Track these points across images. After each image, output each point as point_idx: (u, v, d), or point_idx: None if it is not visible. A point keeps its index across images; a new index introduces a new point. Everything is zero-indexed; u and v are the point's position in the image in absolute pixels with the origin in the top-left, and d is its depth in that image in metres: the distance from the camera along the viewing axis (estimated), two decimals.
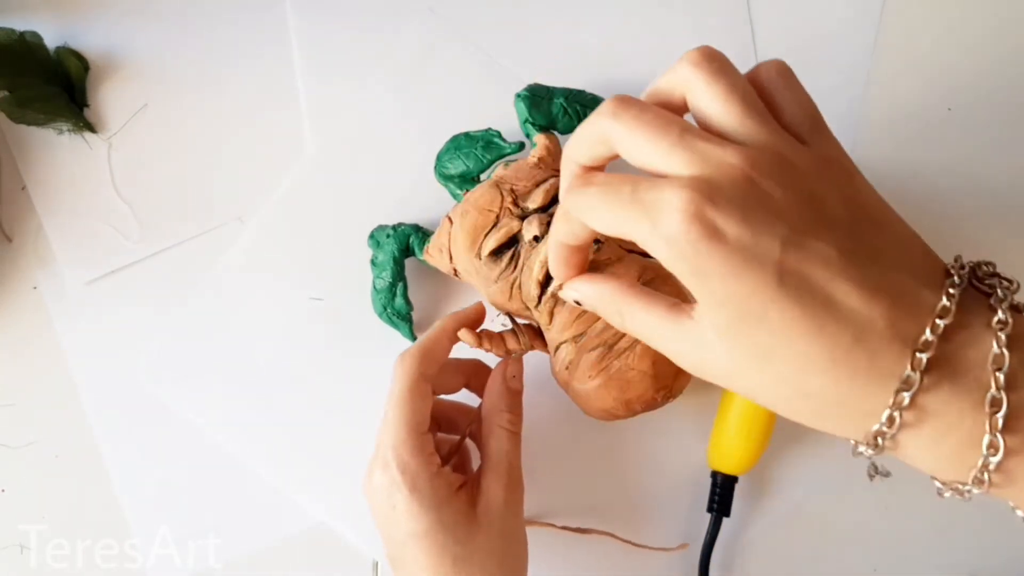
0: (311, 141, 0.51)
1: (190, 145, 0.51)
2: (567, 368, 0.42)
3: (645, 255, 0.44)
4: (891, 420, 0.26)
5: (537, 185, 0.43)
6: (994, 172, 0.51)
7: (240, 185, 0.51)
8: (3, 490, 0.50)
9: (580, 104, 0.47)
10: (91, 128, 0.51)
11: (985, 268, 0.28)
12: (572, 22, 0.52)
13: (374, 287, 0.48)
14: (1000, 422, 0.25)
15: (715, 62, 0.28)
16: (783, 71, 0.29)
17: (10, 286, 0.51)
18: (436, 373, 0.41)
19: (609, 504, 0.49)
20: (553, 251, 0.33)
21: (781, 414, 0.28)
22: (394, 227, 0.47)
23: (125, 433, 0.50)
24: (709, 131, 0.27)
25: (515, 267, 0.42)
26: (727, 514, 0.47)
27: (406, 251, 0.47)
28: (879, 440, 0.26)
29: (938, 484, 0.27)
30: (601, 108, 0.28)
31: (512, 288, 0.43)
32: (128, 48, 0.52)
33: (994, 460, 0.25)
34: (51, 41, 0.51)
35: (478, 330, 0.43)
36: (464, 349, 0.42)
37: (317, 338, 0.50)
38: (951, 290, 0.26)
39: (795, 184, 0.26)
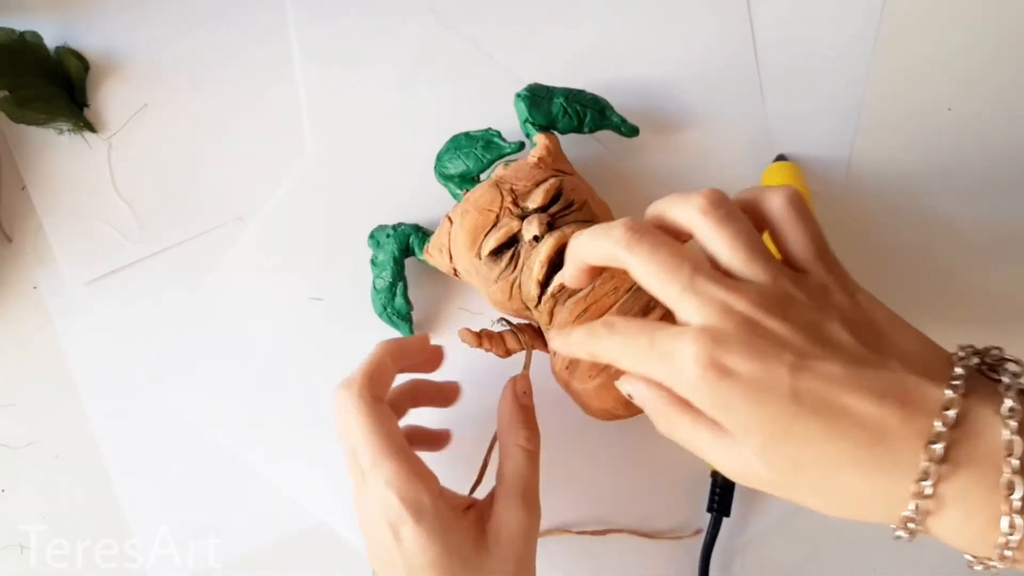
0: (311, 141, 0.51)
1: (190, 145, 0.51)
2: (567, 368, 0.42)
3: None
4: (917, 508, 0.28)
5: (537, 185, 0.43)
6: (994, 172, 0.51)
7: (240, 185, 0.51)
8: (3, 490, 0.50)
9: (580, 104, 0.47)
10: (91, 128, 0.51)
11: (994, 353, 0.30)
12: (572, 22, 0.52)
13: (374, 287, 0.48)
14: (1017, 504, 0.27)
15: (721, 209, 0.31)
16: (792, 202, 0.32)
17: (10, 286, 0.51)
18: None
19: (607, 505, 0.49)
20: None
21: (824, 513, 0.31)
22: (394, 227, 0.47)
23: (125, 433, 0.50)
24: (716, 266, 0.31)
25: (515, 267, 0.42)
26: (727, 514, 0.47)
27: (406, 251, 0.47)
28: (910, 526, 0.29)
29: (968, 558, 0.29)
30: (615, 233, 0.31)
31: (512, 288, 0.43)
32: (128, 48, 0.52)
33: (1014, 539, 0.27)
34: (51, 41, 0.51)
35: (478, 330, 0.43)
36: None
37: (317, 338, 0.50)
38: (955, 382, 0.28)
39: (796, 316, 0.29)
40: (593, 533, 0.47)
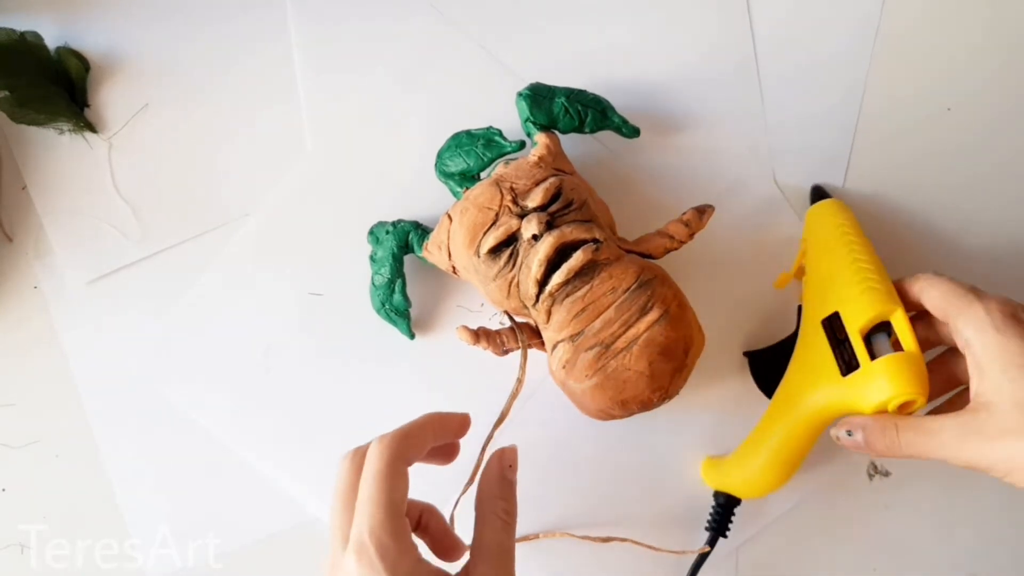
0: (311, 138, 0.51)
1: (190, 144, 0.51)
2: (564, 367, 0.42)
3: (644, 255, 0.44)
4: None
5: (537, 184, 0.43)
6: (994, 171, 0.51)
7: (240, 185, 0.51)
8: (3, 490, 0.50)
9: (581, 104, 0.47)
10: (91, 128, 0.51)
11: None
12: (575, 22, 0.52)
13: (373, 283, 0.48)
14: None
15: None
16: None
17: (10, 286, 0.51)
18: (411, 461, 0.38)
19: (604, 504, 0.49)
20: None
21: None
22: (394, 223, 0.47)
23: (125, 433, 0.50)
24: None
25: (513, 265, 0.42)
26: (724, 535, 0.47)
27: (405, 248, 0.47)
28: None
29: None
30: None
31: (510, 286, 0.43)
32: (128, 48, 0.52)
33: None
34: (51, 41, 0.51)
35: (476, 328, 0.43)
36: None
37: (316, 334, 0.50)
38: None
39: None
40: (595, 539, 0.47)
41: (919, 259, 0.50)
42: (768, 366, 0.47)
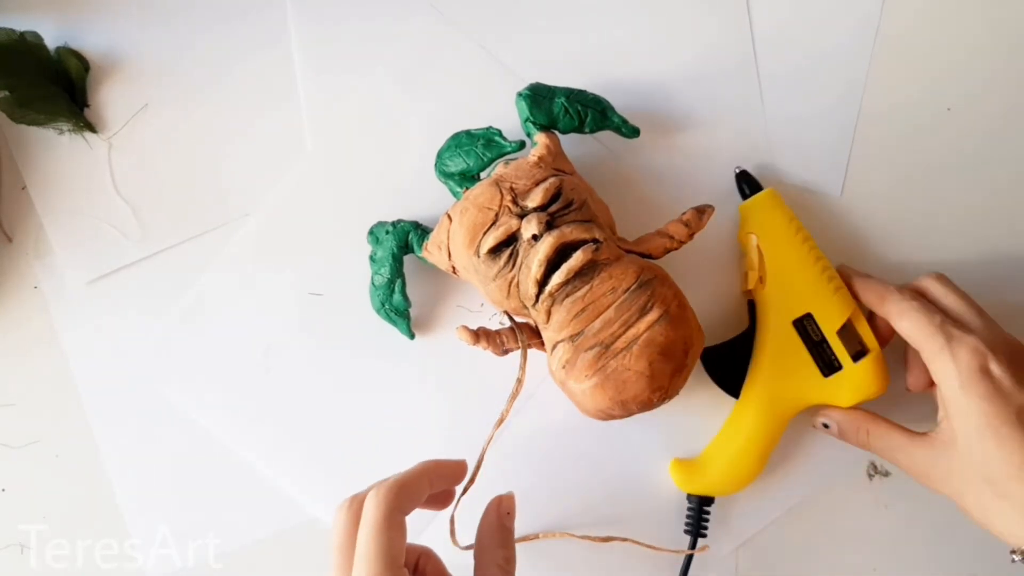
0: (311, 138, 0.51)
1: (190, 145, 0.51)
2: (564, 367, 0.42)
3: (643, 255, 0.44)
4: None
5: (537, 184, 0.43)
6: (994, 171, 0.51)
7: (240, 185, 0.51)
8: (3, 490, 0.50)
9: (581, 104, 0.47)
10: (91, 128, 0.51)
11: None
12: (575, 22, 0.52)
13: (372, 283, 0.48)
14: None
15: (951, 284, 0.44)
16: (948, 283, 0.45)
17: (10, 286, 0.51)
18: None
19: (604, 505, 0.49)
20: None
21: (969, 512, 0.41)
22: (393, 224, 0.47)
23: (125, 433, 0.50)
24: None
25: (513, 265, 0.42)
26: (703, 535, 0.47)
27: (405, 248, 0.47)
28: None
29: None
30: (937, 320, 0.42)
31: (510, 286, 0.43)
32: (128, 48, 0.52)
33: None
34: (51, 41, 0.51)
35: (475, 328, 0.43)
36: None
37: (316, 334, 0.50)
38: None
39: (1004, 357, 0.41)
40: (595, 539, 0.47)
41: (919, 259, 0.50)
42: (724, 363, 0.47)
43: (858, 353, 0.46)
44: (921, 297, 0.44)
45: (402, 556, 0.35)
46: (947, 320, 0.42)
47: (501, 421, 0.42)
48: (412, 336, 0.48)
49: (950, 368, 0.40)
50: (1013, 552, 0.39)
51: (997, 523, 0.39)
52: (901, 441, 0.43)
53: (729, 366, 0.47)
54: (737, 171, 0.49)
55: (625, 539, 0.47)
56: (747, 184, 0.49)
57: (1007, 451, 0.38)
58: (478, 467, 0.42)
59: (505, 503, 0.41)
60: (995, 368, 0.39)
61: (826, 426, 0.46)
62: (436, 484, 0.39)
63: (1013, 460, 0.38)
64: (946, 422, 0.41)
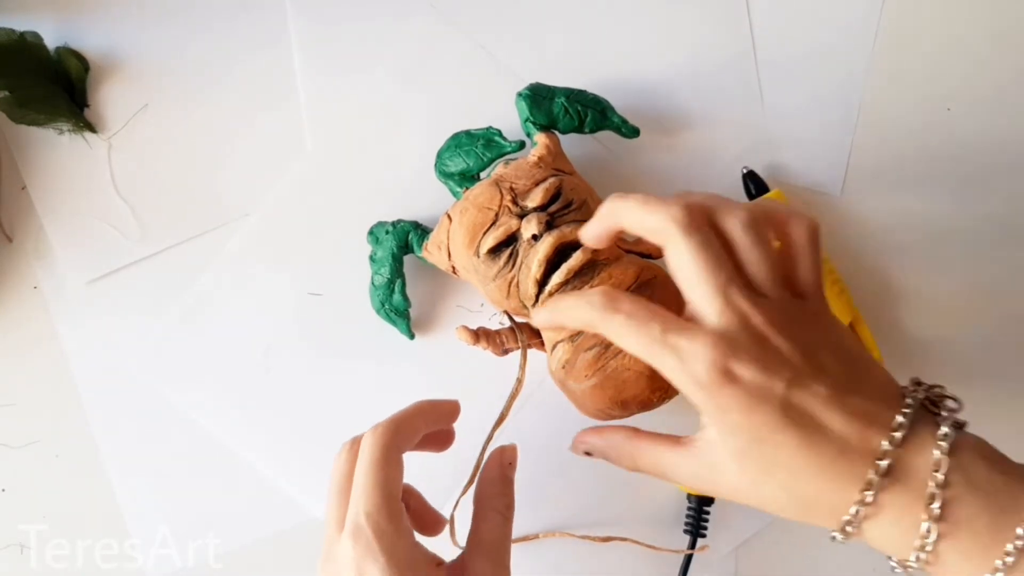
0: (311, 138, 0.51)
1: (190, 145, 0.51)
2: (563, 367, 0.42)
3: (643, 255, 0.44)
4: (856, 514, 0.32)
5: (537, 184, 0.43)
6: (994, 171, 0.51)
7: (240, 184, 0.51)
8: (3, 490, 0.50)
9: (581, 104, 0.47)
10: (91, 128, 0.51)
11: (936, 391, 0.35)
12: (574, 21, 0.52)
13: (372, 283, 0.48)
14: (936, 512, 0.31)
15: (760, 228, 0.34)
16: (814, 235, 0.35)
17: (10, 286, 0.51)
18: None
19: (603, 505, 0.49)
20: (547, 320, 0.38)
21: (778, 514, 0.34)
22: (393, 223, 0.47)
23: (125, 433, 0.50)
24: (741, 269, 0.34)
25: (513, 265, 0.42)
26: (703, 535, 0.47)
27: (405, 248, 0.47)
28: (847, 528, 0.33)
29: (892, 562, 0.33)
30: (673, 211, 0.33)
31: (510, 286, 0.43)
32: (128, 48, 0.52)
33: (929, 542, 0.31)
34: (51, 41, 0.51)
35: (475, 328, 0.43)
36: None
37: (316, 334, 0.50)
38: (905, 410, 0.33)
39: (798, 337, 0.33)
40: (595, 539, 0.47)
41: (919, 259, 0.50)
42: None
43: None
44: (629, 303, 0.34)
45: (399, 490, 0.36)
46: (669, 323, 0.33)
47: (501, 421, 0.42)
48: (412, 336, 0.48)
49: (691, 389, 0.33)
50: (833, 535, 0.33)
51: (817, 521, 0.33)
52: (668, 456, 0.35)
53: None
54: (744, 171, 0.49)
55: (625, 539, 0.47)
56: (754, 184, 0.48)
57: (789, 452, 0.32)
58: (478, 467, 0.42)
59: (508, 453, 0.41)
60: (739, 368, 0.32)
61: (589, 454, 0.39)
62: (430, 423, 0.40)
63: (808, 460, 0.32)
64: (711, 429, 0.34)
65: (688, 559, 0.47)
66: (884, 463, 0.32)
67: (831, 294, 0.46)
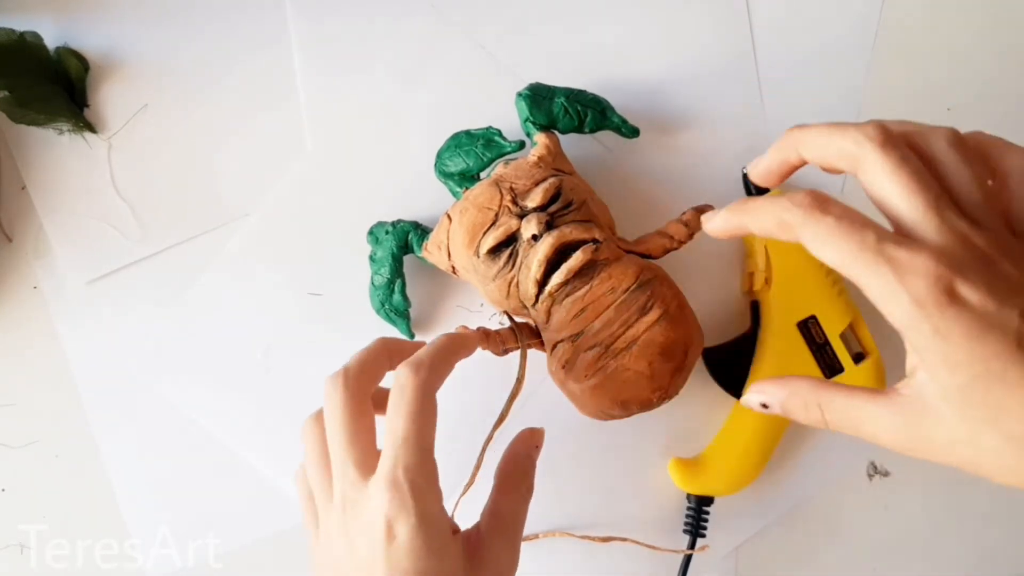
0: (311, 138, 0.51)
1: (190, 145, 0.51)
2: (564, 367, 0.42)
3: (643, 255, 0.44)
4: None
5: (537, 184, 0.43)
6: None
7: (240, 184, 0.51)
8: (3, 490, 0.50)
9: (581, 104, 0.47)
10: (91, 128, 0.51)
11: None
12: (574, 21, 0.52)
13: (372, 283, 0.48)
14: None
15: (969, 149, 0.31)
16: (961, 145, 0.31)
17: (10, 286, 0.51)
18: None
19: (603, 506, 0.49)
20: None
21: (991, 476, 0.29)
22: (393, 224, 0.47)
23: (125, 433, 0.50)
24: (951, 192, 0.30)
25: (513, 265, 0.42)
26: (703, 535, 0.47)
27: (405, 248, 0.47)
28: None
29: None
30: (867, 130, 0.31)
31: (510, 286, 0.43)
32: (128, 48, 0.52)
33: None
34: (51, 41, 0.51)
35: (476, 327, 0.43)
36: None
37: (316, 334, 0.50)
38: None
39: (1022, 266, 0.28)
40: (595, 539, 0.47)
41: None
42: (727, 363, 0.47)
43: (858, 356, 0.46)
44: (839, 207, 0.30)
45: (434, 444, 0.35)
46: (884, 234, 0.29)
47: (501, 421, 0.42)
48: (412, 336, 0.48)
49: (906, 309, 0.28)
50: None
51: None
52: (865, 408, 0.31)
53: (732, 366, 0.47)
54: (744, 171, 0.49)
55: (625, 539, 0.47)
56: (754, 185, 0.48)
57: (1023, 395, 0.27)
58: (478, 467, 0.42)
59: (536, 436, 0.42)
60: (965, 290, 0.27)
61: (765, 406, 0.34)
62: (394, 361, 0.38)
63: None
64: (923, 370, 0.29)
65: (688, 559, 0.47)
66: None
67: (831, 294, 0.46)
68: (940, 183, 0.30)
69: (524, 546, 0.47)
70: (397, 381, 0.36)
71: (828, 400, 0.32)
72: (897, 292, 0.28)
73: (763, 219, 0.32)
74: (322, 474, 0.38)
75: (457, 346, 0.39)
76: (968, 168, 0.30)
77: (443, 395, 0.46)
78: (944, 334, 0.27)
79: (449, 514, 0.42)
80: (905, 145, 0.30)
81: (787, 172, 0.34)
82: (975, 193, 0.30)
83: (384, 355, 0.39)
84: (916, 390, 0.29)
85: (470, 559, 0.36)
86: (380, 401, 0.39)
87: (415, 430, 0.34)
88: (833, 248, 0.29)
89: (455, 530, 0.36)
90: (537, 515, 0.48)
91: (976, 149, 0.31)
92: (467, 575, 0.35)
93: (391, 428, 0.35)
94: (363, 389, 0.37)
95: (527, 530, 0.47)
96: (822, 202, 0.30)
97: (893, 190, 0.29)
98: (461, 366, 0.48)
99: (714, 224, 0.34)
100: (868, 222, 0.29)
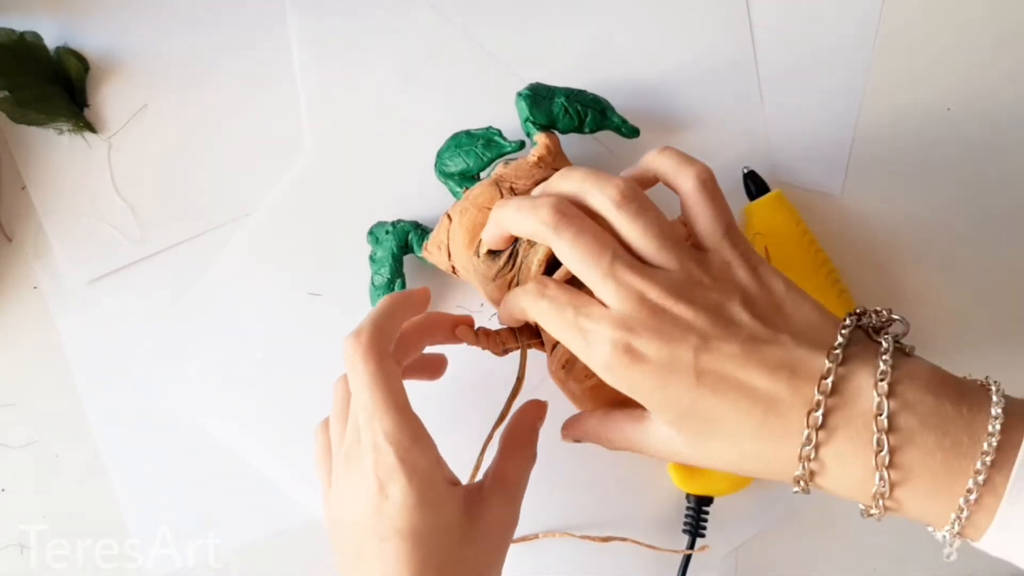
0: (311, 138, 0.51)
1: (190, 145, 0.51)
2: (563, 367, 0.42)
3: None
4: (804, 469, 0.31)
5: (537, 184, 0.43)
6: (993, 172, 0.51)
7: (240, 184, 0.51)
8: (3, 490, 0.50)
9: (581, 104, 0.47)
10: (91, 128, 0.51)
11: (877, 317, 0.33)
12: (574, 21, 0.52)
13: (372, 283, 0.48)
14: (885, 459, 0.29)
15: (634, 203, 0.34)
16: (705, 184, 0.34)
17: (10, 286, 0.51)
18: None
19: (603, 506, 0.49)
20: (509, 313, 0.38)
21: (737, 473, 0.34)
22: (393, 223, 0.47)
23: (125, 433, 0.50)
24: (630, 250, 0.33)
25: (513, 265, 0.42)
26: (702, 535, 0.47)
27: (405, 248, 0.47)
28: (801, 484, 0.31)
29: (860, 507, 0.32)
30: (542, 214, 0.34)
31: (510, 286, 0.43)
32: (128, 48, 0.52)
33: (886, 490, 0.30)
34: (51, 41, 0.51)
35: (476, 328, 0.43)
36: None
37: (316, 334, 0.50)
38: (835, 351, 0.31)
39: (701, 299, 0.32)
40: (595, 539, 0.47)
41: (919, 259, 0.50)
42: None
43: None
44: (553, 287, 0.35)
45: (405, 395, 0.36)
46: (581, 303, 0.33)
47: (501, 421, 0.42)
48: None
49: (602, 372, 0.33)
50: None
51: (774, 476, 0.33)
52: (634, 432, 0.36)
53: None
54: (745, 171, 0.49)
55: (625, 539, 0.47)
56: (754, 184, 0.48)
57: (720, 417, 0.31)
58: (477, 467, 0.42)
59: (541, 408, 0.42)
60: (642, 345, 0.31)
61: (579, 440, 0.40)
62: (406, 314, 0.39)
63: (740, 421, 0.31)
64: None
65: (687, 559, 0.47)
66: (818, 415, 0.30)
67: (831, 294, 0.46)
68: (616, 238, 0.33)
69: (524, 546, 0.47)
70: (344, 354, 0.36)
71: (610, 430, 0.37)
72: (592, 359, 0.33)
73: (515, 313, 0.37)
74: (341, 429, 0.39)
75: (399, 302, 0.39)
76: (638, 219, 0.33)
77: (443, 395, 0.46)
78: (637, 389, 0.32)
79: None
80: (578, 217, 0.34)
81: (510, 239, 0.39)
82: (648, 242, 0.33)
83: (394, 308, 0.39)
84: (653, 418, 0.34)
85: (469, 512, 0.37)
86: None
87: (380, 396, 0.35)
88: (550, 326, 0.34)
89: (454, 481, 0.37)
90: (537, 515, 0.48)
91: (644, 186, 0.35)
92: (465, 526, 0.36)
93: (355, 401, 0.36)
94: (377, 344, 0.36)
95: (527, 530, 0.47)
96: (542, 286, 0.35)
97: (574, 266, 0.33)
98: (461, 366, 0.48)
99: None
100: (572, 297, 0.34)
